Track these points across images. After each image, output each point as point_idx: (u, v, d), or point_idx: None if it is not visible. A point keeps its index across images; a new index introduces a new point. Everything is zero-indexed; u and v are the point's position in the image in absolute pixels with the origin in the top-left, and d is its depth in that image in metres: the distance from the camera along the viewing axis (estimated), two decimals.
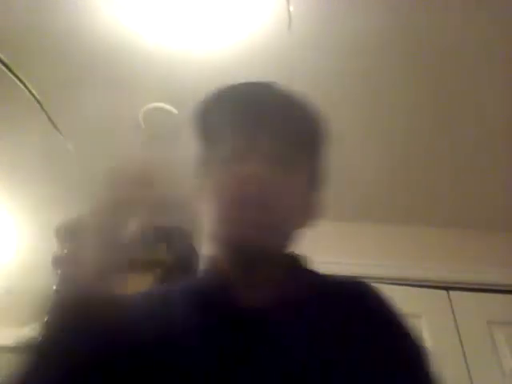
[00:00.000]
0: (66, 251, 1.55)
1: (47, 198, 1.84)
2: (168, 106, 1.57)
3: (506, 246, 1.97)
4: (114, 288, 0.49)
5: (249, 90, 0.63)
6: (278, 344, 0.51)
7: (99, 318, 0.46)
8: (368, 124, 1.65)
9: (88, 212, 0.49)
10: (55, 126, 0.83)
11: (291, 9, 1.04)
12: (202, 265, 0.67)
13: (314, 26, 1.34)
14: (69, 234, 1.57)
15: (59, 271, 1.53)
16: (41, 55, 1.42)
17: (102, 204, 0.49)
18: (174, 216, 1.45)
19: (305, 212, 0.63)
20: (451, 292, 1.84)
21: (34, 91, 0.78)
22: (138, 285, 0.67)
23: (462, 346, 1.69)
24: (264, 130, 0.60)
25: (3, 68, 0.74)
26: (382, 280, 1.63)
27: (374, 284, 0.63)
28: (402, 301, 0.64)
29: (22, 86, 0.75)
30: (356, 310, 0.58)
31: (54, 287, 1.49)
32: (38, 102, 0.79)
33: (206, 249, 0.66)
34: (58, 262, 1.54)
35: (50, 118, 0.82)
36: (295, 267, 0.63)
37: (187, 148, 0.67)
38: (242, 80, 0.64)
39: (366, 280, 0.64)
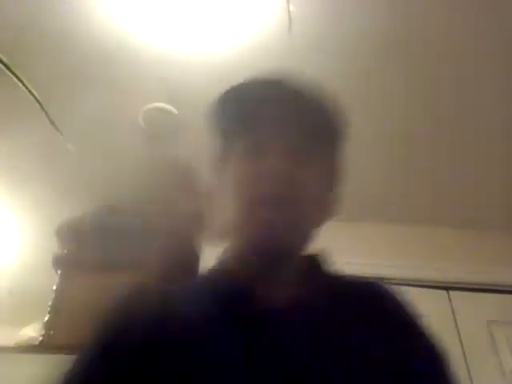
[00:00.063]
0: (66, 251, 1.55)
1: (47, 198, 1.84)
2: (168, 106, 1.57)
3: (506, 246, 1.97)
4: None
5: (263, 85, 0.62)
6: (278, 344, 0.51)
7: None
8: (376, 124, 1.64)
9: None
10: (55, 126, 0.83)
11: (291, 8, 1.03)
12: (212, 264, 0.65)
13: (315, 28, 1.34)
14: (69, 233, 1.57)
15: (59, 271, 1.53)
16: (41, 55, 1.41)
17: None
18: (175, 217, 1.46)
19: (323, 209, 0.63)
20: (451, 292, 1.84)
21: (33, 91, 0.78)
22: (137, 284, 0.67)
23: (462, 346, 1.68)
24: (281, 124, 0.60)
25: (3, 68, 0.74)
26: (381, 280, 1.63)
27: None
28: None
29: (22, 86, 0.75)
30: (372, 311, 0.58)
31: (54, 287, 1.49)
32: (38, 102, 0.79)
33: (218, 248, 0.65)
34: (58, 262, 1.54)
35: (50, 118, 0.82)
36: (314, 267, 0.63)
37: (187, 148, 0.67)
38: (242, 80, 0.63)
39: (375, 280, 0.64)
